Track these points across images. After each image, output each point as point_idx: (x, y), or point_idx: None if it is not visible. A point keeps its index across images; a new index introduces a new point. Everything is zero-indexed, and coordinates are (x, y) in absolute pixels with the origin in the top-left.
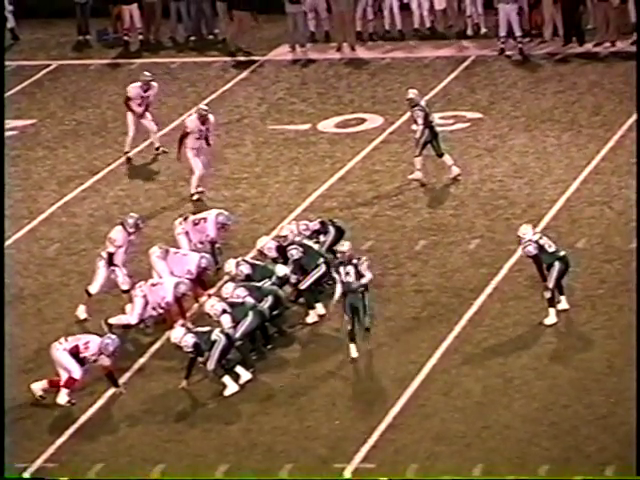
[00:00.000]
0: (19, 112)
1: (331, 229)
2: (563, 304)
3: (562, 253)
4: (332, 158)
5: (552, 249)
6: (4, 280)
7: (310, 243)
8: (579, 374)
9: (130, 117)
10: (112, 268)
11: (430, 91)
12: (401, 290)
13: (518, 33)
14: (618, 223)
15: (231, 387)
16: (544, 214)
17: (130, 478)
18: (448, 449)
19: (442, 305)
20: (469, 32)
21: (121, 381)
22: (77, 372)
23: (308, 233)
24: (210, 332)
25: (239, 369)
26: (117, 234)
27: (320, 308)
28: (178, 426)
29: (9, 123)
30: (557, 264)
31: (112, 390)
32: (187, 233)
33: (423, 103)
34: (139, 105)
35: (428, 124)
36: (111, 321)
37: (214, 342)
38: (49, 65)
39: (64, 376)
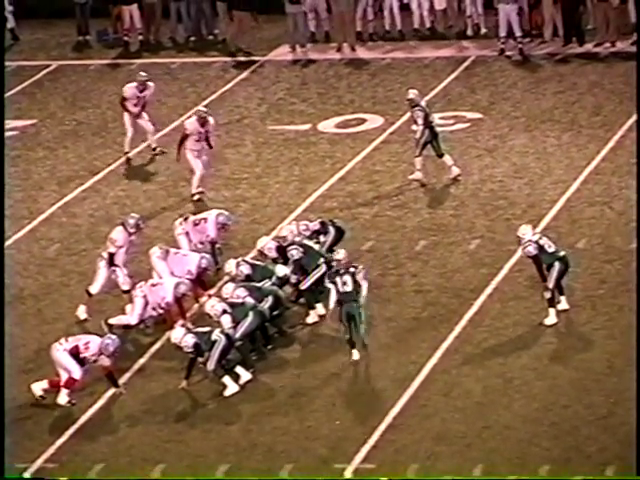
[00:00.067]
0: (19, 112)
1: (331, 229)
2: (563, 304)
3: (562, 253)
4: (332, 158)
5: (552, 249)
6: (4, 280)
7: (310, 243)
8: (579, 374)
9: (127, 117)
10: (113, 268)
11: (430, 91)
12: (401, 290)
13: (518, 33)
14: (618, 223)
15: (231, 387)
16: (544, 214)
17: (130, 478)
18: (448, 449)
19: (442, 305)
20: (469, 32)
21: (121, 381)
22: (77, 372)
23: (308, 233)
24: (210, 332)
25: (239, 369)
26: (118, 234)
27: (320, 308)
28: (178, 426)
29: (9, 123)
30: (557, 264)
31: (112, 390)
32: (187, 233)
33: (423, 103)
34: (135, 105)
35: (428, 124)
36: (111, 321)
37: (214, 342)
38: (49, 65)
39: (64, 376)
